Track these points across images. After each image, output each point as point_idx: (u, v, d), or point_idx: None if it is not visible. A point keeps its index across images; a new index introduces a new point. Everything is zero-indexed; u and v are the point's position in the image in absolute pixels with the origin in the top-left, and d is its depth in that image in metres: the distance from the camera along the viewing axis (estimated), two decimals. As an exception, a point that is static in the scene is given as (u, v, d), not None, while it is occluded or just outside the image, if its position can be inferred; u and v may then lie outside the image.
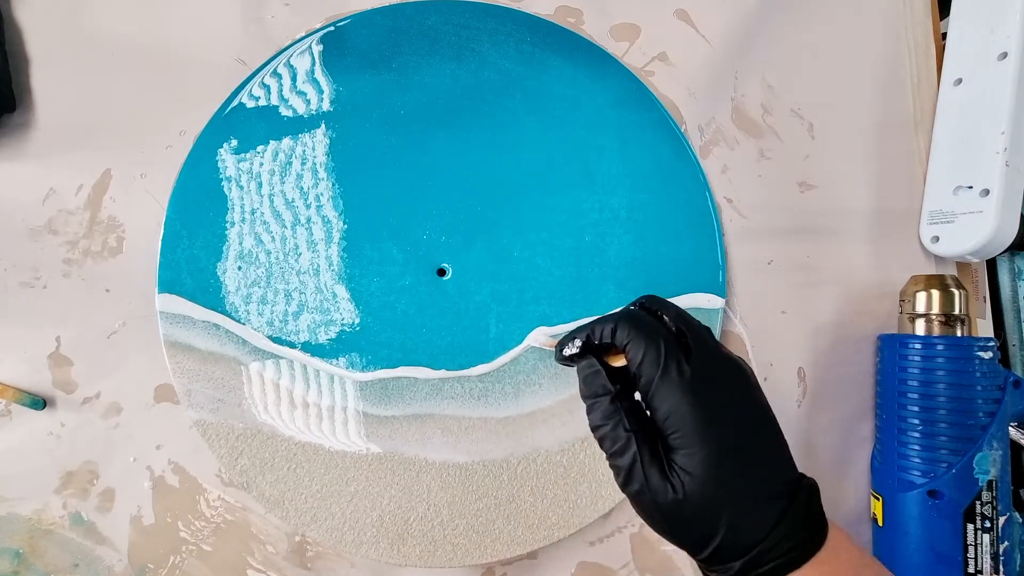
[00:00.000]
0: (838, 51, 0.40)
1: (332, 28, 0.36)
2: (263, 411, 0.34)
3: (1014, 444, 0.35)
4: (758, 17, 0.40)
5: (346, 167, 0.36)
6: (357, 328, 0.35)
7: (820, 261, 0.39)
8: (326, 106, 0.36)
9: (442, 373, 0.35)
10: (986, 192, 0.36)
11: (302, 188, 0.35)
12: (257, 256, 0.35)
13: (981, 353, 0.34)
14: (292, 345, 0.34)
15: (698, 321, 0.25)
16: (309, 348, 0.34)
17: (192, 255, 0.34)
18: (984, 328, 0.39)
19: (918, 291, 0.36)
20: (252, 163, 0.35)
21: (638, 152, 0.37)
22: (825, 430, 0.38)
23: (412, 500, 0.34)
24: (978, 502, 0.33)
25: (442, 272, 0.36)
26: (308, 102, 0.36)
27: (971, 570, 0.33)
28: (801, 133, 0.39)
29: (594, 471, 0.35)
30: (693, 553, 0.23)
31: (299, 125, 0.36)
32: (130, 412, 0.34)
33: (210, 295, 0.34)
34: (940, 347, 0.34)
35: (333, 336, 0.35)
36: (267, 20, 0.37)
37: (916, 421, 0.34)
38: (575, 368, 0.26)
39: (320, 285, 0.35)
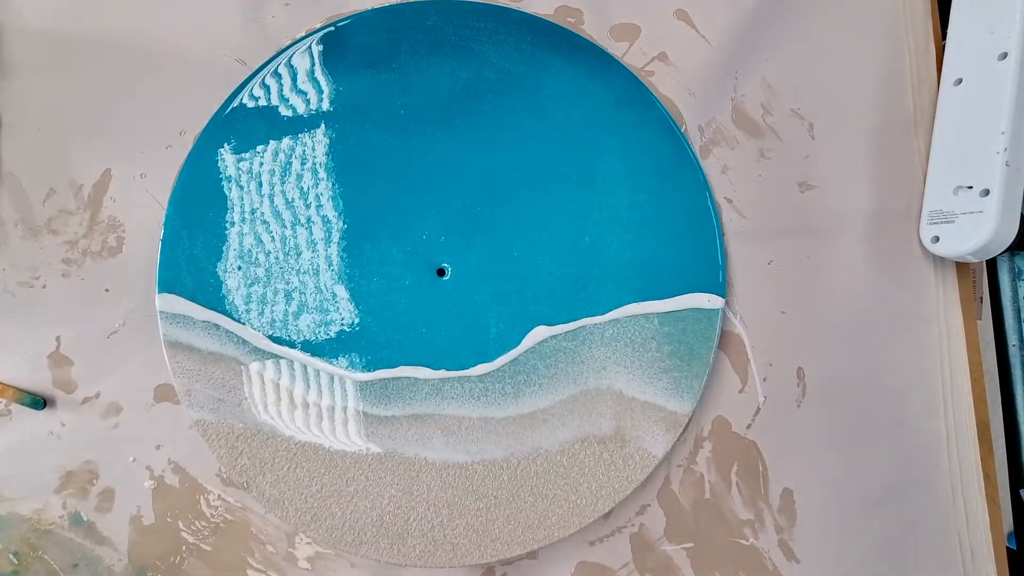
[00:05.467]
0: (838, 51, 0.40)
1: (332, 28, 0.36)
2: (263, 411, 0.34)
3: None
4: (758, 17, 0.40)
5: (346, 167, 0.36)
6: (357, 328, 0.35)
7: (820, 261, 0.39)
8: (326, 106, 0.36)
9: (442, 373, 0.35)
10: (986, 192, 0.36)
11: (302, 188, 0.35)
12: (257, 256, 0.35)
13: None
14: (292, 345, 0.34)
15: None
16: (309, 348, 0.34)
17: (192, 255, 0.34)
18: (984, 328, 0.39)
19: None
20: (252, 163, 0.35)
21: (638, 152, 0.37)
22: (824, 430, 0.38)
23: (412, 500, 0.34)
24: None
25: (442, 272, 0.36)
26: (308, 102, 0.36)
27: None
28: (801, 133, 0.39)
29: (594, 471, 0.35)
30: None
31: (299, 125, 0.36)
32: (130, 412, 0.34)
33: (210, 295, 0.34)
34: None
35: (333, 336, 0.35)
36: (267, 20, 0.37)
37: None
38: None
39: (320, 285, 0.35)
